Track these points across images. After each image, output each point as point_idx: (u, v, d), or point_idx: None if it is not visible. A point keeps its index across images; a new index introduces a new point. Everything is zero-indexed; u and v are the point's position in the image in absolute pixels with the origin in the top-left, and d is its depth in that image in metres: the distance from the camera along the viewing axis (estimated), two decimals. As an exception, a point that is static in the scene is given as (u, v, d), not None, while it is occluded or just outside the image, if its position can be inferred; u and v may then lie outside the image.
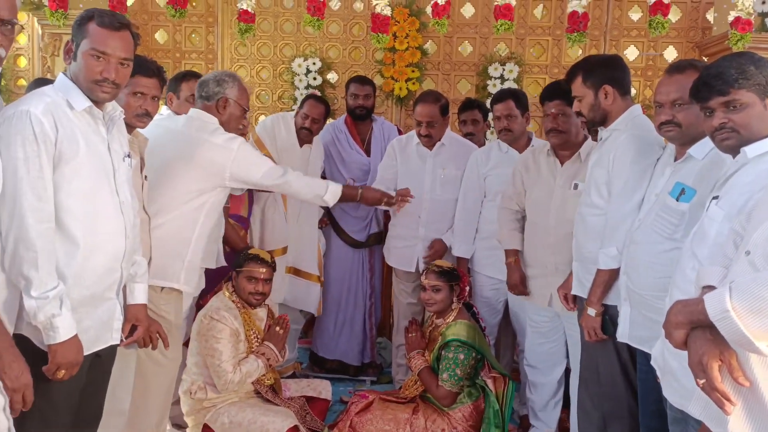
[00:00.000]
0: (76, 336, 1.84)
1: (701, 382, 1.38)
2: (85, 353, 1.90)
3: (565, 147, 2.92)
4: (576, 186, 2.82)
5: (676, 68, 2.19)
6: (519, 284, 3.10)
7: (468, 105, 3.86)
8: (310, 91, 4.38)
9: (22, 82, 4.65)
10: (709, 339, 1.37)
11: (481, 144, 3.78)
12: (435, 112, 3.43)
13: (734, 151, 1.74)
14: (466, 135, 3.79)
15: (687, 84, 1.90)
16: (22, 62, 4.64)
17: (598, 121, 2.53)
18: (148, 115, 2.34)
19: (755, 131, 1.70)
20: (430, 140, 3.49)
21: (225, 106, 2.71)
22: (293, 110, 3.91)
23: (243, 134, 2.83)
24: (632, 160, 2.33)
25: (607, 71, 2.49)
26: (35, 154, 1.78)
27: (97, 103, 1.96)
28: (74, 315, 1.86)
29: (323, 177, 3.95)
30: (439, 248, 3.50)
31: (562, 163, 2.92)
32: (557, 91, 2.88)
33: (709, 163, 2.04)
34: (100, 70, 1.91)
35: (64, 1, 3.64)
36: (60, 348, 1.81)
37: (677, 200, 2.09)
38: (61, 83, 1.95)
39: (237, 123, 2.78)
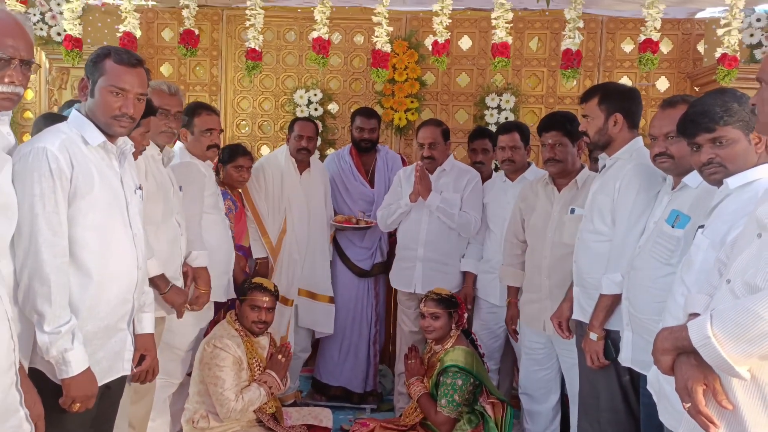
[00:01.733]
0: (89, 369, 1.88)
1: (687, 405, 1.43)
2: (98, 384, 1.93)
3: (562, 175, 3.01)
4: (573, 211, 2.90)
5: (668, 103, 2.30)
6: (510, 324, 3.27)
7: (479, 134, 3.95)
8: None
9: (29, 114, 4.75)
10: (694, 365, 1.43)
11: (489, 173, 3.88)
12: (437, 135, 3.57)
13: (721, 183, 1.83)
14: (475, 163, 3.87)
15: (678, 118, 2.00)
16: (29, 95, 4.74)
17: (600, 145, 2.61)
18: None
19: (740, 164, 1.81)
20: (432, 163, 3.60)
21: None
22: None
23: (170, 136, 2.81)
24: (638, 190, 2.41)
25: (623, 101, 2.58)
26: (51, 190, 1.82)
27: (110, 137, 2.03)
28: (88, 347, 1.90)
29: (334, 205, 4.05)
30: (426, 182, 3.52)
31: (559, 189, 3.01)
32: (555, 122, 3.01)
33: (703, 191, 2.12)
34: (119, 106, 1.98)
35: (79, 41, 3.74)
36: (73, 382, 1.84)
37: (672, 227, 2.18)
38: (75, 119, 2.01)
39: (155, 126, 2.68)
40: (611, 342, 2.47)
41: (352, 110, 4.61)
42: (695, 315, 1.53)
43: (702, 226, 1.82)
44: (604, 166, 2.66)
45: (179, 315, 2.63)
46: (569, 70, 3.32)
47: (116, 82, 1.98)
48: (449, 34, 3.37)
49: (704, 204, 2.06)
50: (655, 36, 3.27)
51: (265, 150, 4.76)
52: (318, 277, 3.85)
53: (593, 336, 2.48)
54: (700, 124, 1.83)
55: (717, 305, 1.43)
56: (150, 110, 2.40)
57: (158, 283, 2.50)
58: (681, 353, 1.47)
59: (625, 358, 2.34)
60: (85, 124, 1.99)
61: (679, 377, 1.46)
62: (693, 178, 2.16)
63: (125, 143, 2.10)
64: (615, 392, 2.50)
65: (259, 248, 3.71)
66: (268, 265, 3.70)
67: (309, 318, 3.87)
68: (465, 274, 3.62)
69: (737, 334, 1.30)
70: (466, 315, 3.20)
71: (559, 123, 2.99)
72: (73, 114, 2.03)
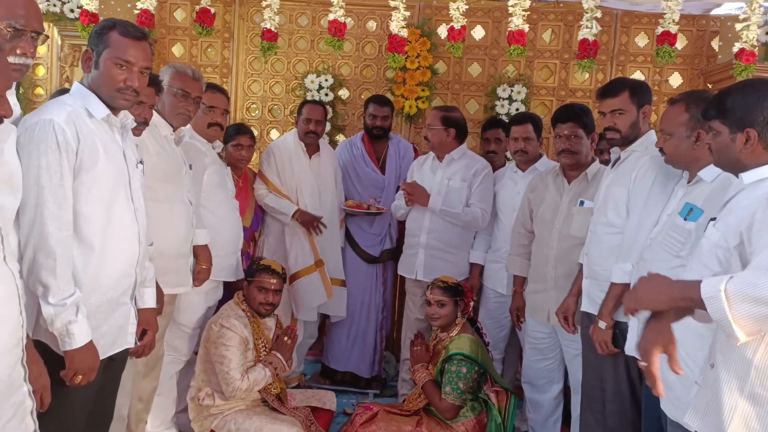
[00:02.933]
0: (91, 342, 1.88)
1: (643, 365, 1.56)
2: (102, 357, 1.94)
3: (574, 167, 3.02)
4: (582, 203, 2.91)
5: (670, 101, 2.38)
6: (514, 313, 3.29)
7: (492, 123, 3.96)
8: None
9: (40, 90, 4.75)
10: (659, 331, 1.54)
11: (501, 162, 3.88)
12: (435, 118, 3.58)
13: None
14: (487, 153, 3.87)
15: (671, 115, 2.21)
16: (41, 71, 4.74)
17: (630, 140, 2.60)
18: (145, 123, 2.47)
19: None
20: (429, 144, 3.64)
21: (161, 92, 2.69)
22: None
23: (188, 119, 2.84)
24: (654, 180, 2.42)
25: (647, 94, 2.63)
26: (57, 163, 1.81)
27: (113, 110, 2.02)
28: (92, 320, 1.90)
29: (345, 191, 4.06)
30: (419, 191, 3.53)
31: (569, 182, 3.01)
32: (571, 114, 3.01)
33: (718, 186, 2.13)
34: (123, 78, 1.96)
35: (95, 16, 3.74)
36: (76, 354, 1.85)
37: (685, 219, 2.19)
38: (78, 91, 1.99)
39: (172, 108, 2.75)
40: (620, 332, 2.47)
41: (362, 97, 4.62)
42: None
43: (714, 219, 1.82)
44: (618, 158, 2.66)
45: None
46: (585, 61, 3.30)
47: (121, 55, 1.96)
48: (465, 20, 3.36)
49: (718, 199, 2.06)
50: (674, 29, 3.26)
51: (274, 134, 4.76)
52: (329, 260, 3.85)
53: (602, 324, 2.49)
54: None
55: (738, 275, 1.43)
56: (152, 82, 2.40)
57: None
58: (655, 317, 1.56)
59: (629, 347, 2.36)
60: (89, 97, 1.97)
61: (644, 340, 1.58)
62: (708, 173, 2.17)
63: (126, 117, 2.09)
64: (622, 383, 2.52)
65: (287, 205, 3.70)
66: (306, 214, 3.70)
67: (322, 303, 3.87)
68: (472, 264, 3.63)
69: (748, 294, 1.33)
70: (472, 303, 3.20)
71: (576, 115, 2.99)
72: (76, 86, 2.01)
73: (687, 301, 1.47)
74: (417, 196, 3.52)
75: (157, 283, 2.48)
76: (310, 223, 3.70)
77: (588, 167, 2.99)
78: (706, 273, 1.63)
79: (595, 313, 2.56)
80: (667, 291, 1.52)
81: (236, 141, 3.54)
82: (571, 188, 3.00)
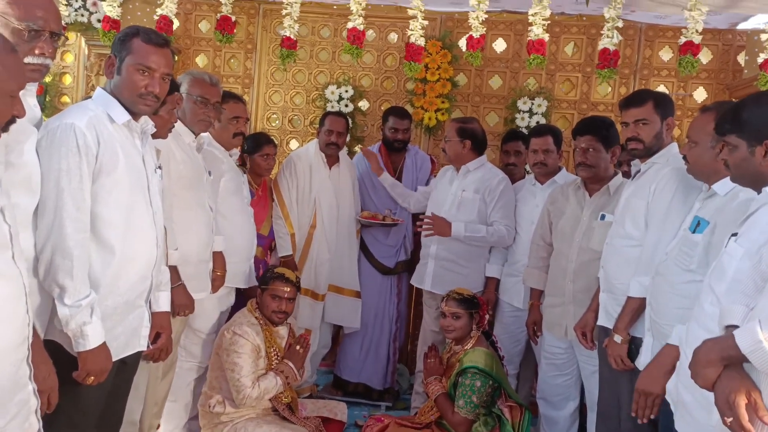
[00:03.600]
0: (104, 343, 1.90)
1: (729, 420, 1.38)
2: (115, 359, 1.96)
3: (594, 180, 2.98)
4: (603, 217, 2.86)
5: (701, 109, 2.33)
6: (531, 326, 3.24)
7: (512, 136, 3.93)
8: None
9: (66, 99, 4.84)
10: (736, 377, 1.39)
11: (521, 175, 3.84)
12: (451, 130, 3.57)
13: None
14: (507, 165, 3.84)
15: (700, 124, 2.16)
16: (67, 80, 4.83)
17: (653, 151, 2.56)
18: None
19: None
20: (446, 156, 3.65)
21: (181, 101, 2.68)
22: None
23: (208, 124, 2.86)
24: (674, 193, 2.37)
25: (671, 106, 2.60)
26: (77, 166, 1.85)
27: (134, 116, 2.05)
28: (107, 322, 1.92)
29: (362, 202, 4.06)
30: (439, 223, 3.46)
31: (590, 195, 2.97)
32: (591, 127, 2.98)
33: (729, 199, 2.09)
34: (145, 84, 2.00)
35: (117, 23, 3.82)
36: (89, 355, 1.87)
37: (693, 232, 2.16)
38: (100, 97, 2.03)
39: (193, 115, 2.76)
40: (635, 348, 2.42)
41: (382, 108, 4.62)
42: (732, 327, 1.48)
43: (736, 234, 1.76)
44: (638, 171, 2.62)
45: (174, 314, 2.55)
46: (606, 71, 3.26)
47: (143, 61, 2.00)
48: (484, 29, 3.35)
49: (727, 211, 2.05)
50: (697, 39, 3.20)
51: (294, 144, 4.79)
52: (345, 271, 3.86)
53: (617, 338, 2.44)
54: None
55: (762, 311, 1.38)
56: (173, 86, 2.44)
57: (171, 275, 2.47)
58: (726, 366, 1.43)
59: (643, 363, 2.29)
60: (111, 102, 2.02)
61: (720, 390, 1.42)
62: (722, 186, 2.13)
63: (146, 122, 2.13)
64: None
65: (284, 246, 3.70)
66: (293, 263, 3.70)
67: (335, 313, 3.88)
68: (488, 278, 3.59)
69: None
70: (487, 317, 3.16)
71: (595, 127, 2.96)
72: (99, 91, 2.06)
73: (731, 359, 1.41)
74: (438, 227, 3.47)
75: (184, 287, 2.51)
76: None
77: (609, 180, 2.94)
78: (743, 299, 1.57)
79: (611, 327, 2.50)
80: (706, 362, 1.46)
81: (264, 151, 3.58)
82: (592, 201, 2.96)
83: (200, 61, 4.82)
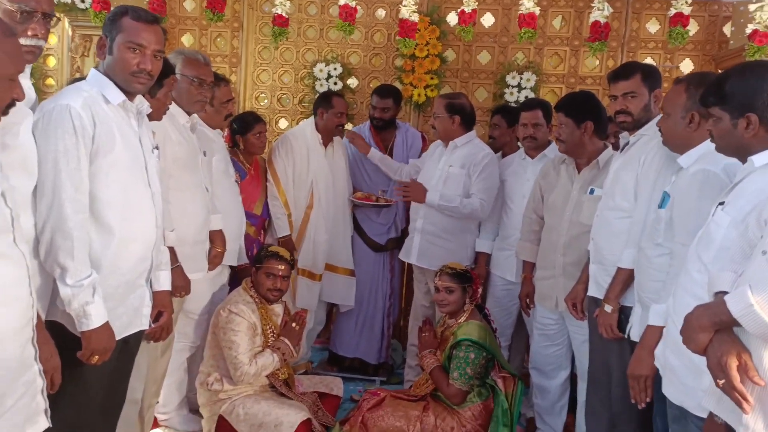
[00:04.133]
0: (107, 323, 1.92)
1: (721, 382, 1.42)
2: (117, 338, 1.98)
3: (575, 155, 2.99)
4: (592, 191, 2.89)
5: (675, 80, 2.36)
6: (524, 298, 3.28)
7: (495, 111, 3.97)
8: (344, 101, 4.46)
9: (51, 81, 4.79)
10: (727, 340, 1.43)
11: (509, 150, 3.83)
12: (440, 106, 3.58)
13: None
14: (489, 138, 3.90)
15: (672, 95, 2.21)
16: (52, 62, 4.78)
17: (641, 123, 2.58)
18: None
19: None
20: (435, 132, 3.66)
21: (175, 81, 2.67)
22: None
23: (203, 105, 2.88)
24: (663, 165, 2.39)
25: (658, 78, 2.61)
26: (74, 147, 1.85)
27: (129, 95, 2.05)
28: (109, 302, 1.94)
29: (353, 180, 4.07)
30: (415, 188, 3.50)
31: (579, 170, 3.00)
32: (561, 105, 3.03)
33: (687, 172, 2.15)
34: (137, 62, 2.00)
35: (107, 3, 3.79)
36: (93, 334, 1.89)
37: (659, 207, 2.24)
38: (94, 78, 2.03)
39: (189, 95, 2.77)
40: (624, 318, 2.47)
41: (371, 85, 4.61)
42: (722, 293, 1.51)
43: (722, 203, 1.80)
44: (627, 143, 2.65)
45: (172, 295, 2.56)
46: (596, 44, 3.27)
47: (134, 38, 2.00)
48: (476, 3, 3.34)
49: (680, 185, 2.13)
50: (686, 10, 3.21)
51: (283, 123, 4.77)
52: (340, 250, 3.89)
53: (608, 308, 2.49)
54: None
55: (752, 277, 1.41)
56: (169, 69, 2.44)
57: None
58: (717, 331, 1.46)
59: (635, 333, 2.35)
60: (105, 83, 2.02)
61: (712, 354, 1.45)
62: (685, 159, 2.19)
63: (142, 103, 2.13)
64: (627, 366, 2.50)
65: (282, 226, 3.71)
66: (291, 244, 3.71)
67: (330, 291, 3.92)
68: (479, 253, 3.62)
69: None
70: (480, 290, 3.20)
71: (564, 105, 3.00)
72: (92, 72, 2.06)
73: (722, 324, 1.45)
74: (414, 193, 3.51)
75: (182, 269, 2.54)
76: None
77: (598, 155, 2.96)
78: (731, 266, 1.60)
79: (602, 297, 2.55)
80: (698, 327, 1.49)
81: (256, 130, 3.58)
82: (581, 176, 2.98)
83: (186, 40, 4.78)
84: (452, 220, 3.54)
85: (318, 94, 4.24)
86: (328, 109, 3.78)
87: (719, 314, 1.43)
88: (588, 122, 2.91)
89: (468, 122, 3.60)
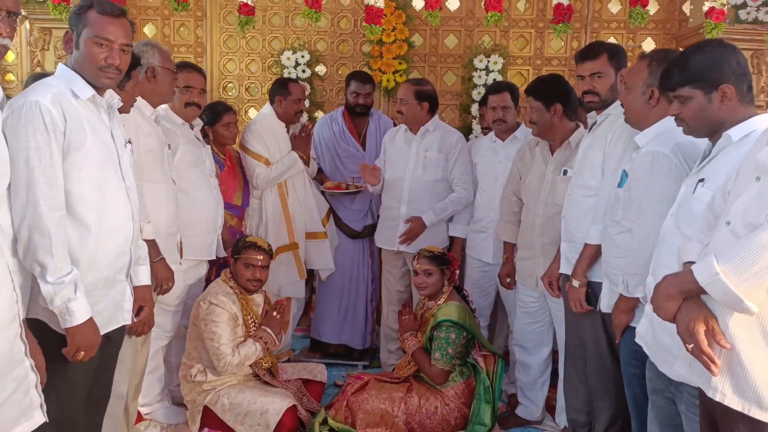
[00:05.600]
0: (91, 318, 1.91)
1: (690, 346, 1.48)
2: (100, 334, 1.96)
3: (547, 137, 3.04)
4: (565, 172, 2.95)
5: (640, 56, 2.45)
6: (504, 278, 3.32)
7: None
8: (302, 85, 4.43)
9: (11, 77, 4.66)
10: (694, 307, 1.49)
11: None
12: (408, 92, 3.57)
13: None
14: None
15: (634, 70, 2.27)
16: (10, 57, 4.63)
17: (608, 103, 2.62)
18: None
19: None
20: (402, 118, 3.63)
21: (154, 75, 2.73)
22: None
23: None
24: (629, 143, 2.43)
25: (624, 58, 2.65)
26: (46, 144, 1.82)
27: (99, 90, 2.03)
28: (89, 298, 1.92)
29: (318, 167, 4.06)
30: (415, 225, 3.55)
31: (552, 151, 3.05)
32: (530, 89, 3.07)
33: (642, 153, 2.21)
34: (104, 57, 1.97)
35: (67, -6, 3.68)
36: (77, 331, 1.87)
37: (618, 186, 2.32)
38: (63, 73, 2.00)
39: (170, 87, 2.81)
40: (593, 291, 2.55)
41: (340, 72, 4.61)
42: (690, 263, 1.57)
43: (702, 180, 1.84)
44: (595, 123, 2.70)
45: (161, 291, 2.60)
46: (560, 25, 3.33)
47: (100, 33, 1.97)
48: (442, -12, 3.36)
49: (635, 165, 2.19)
50: (646, -11, 3.29)
51: (252, 113, 4.73)
52: (305, 215, 3.83)
53: (576, 283, 2.56)
54: None
55: (717, 247, 1.47)
56: (136, 61, 2.42)
57: (149, 250, 2.47)
58: (686, 299, 1.52)
59: (604, 305, 2.43)
60: (73, 78, 1.99)
61: (680, 320, 1.51)
62: (641, 138, 2.25)
63: (112, 97, 2.10)
64: (601, 341, 2.57)
65: (287, 160, 3.68)
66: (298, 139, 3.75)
67: (309, 259, 3.86)
68: (453, 238, 3.67)
69: (745, 267, 1.34)
70: (458, 272, 3.25)
71: (532, 89, 3.05)
72: (61, 68, 2.03)
73: (690, 292, 1.50)
74: (415, 230, 3.55)
75: (164, 260, 2.54)
76: (305, 140, 3.74)
77: (571, 135, 3.00)
78: (699, 237, 1.65)
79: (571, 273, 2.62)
80: (667, 296, 1.54)
81: (225, 120, 3.52)
82: (555, 157, 3.03)
83: (149, 30, 4.69)
84: (433, 203, 3.57)
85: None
86: (285, 96, 3.72)
87: (687, 283, 1.49)
88: (557, 104, 2.95)
89: (434, 108, 3.65)
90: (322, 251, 3.86)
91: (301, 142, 3.68)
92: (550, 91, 2.99)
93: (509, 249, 3.32)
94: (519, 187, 3.24)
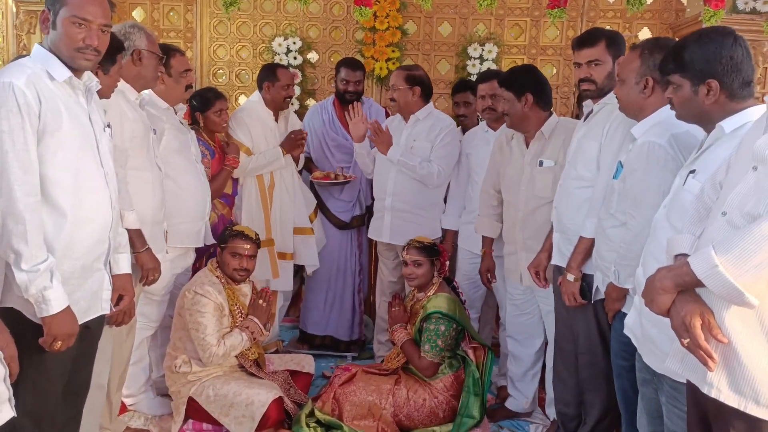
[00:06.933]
0: (68, 307, 1.86)
1: (686, 341, 1.42)
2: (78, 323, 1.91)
3: (520, 128, 2.98)
4: (541, 163, 2.89)
5: (631, 46, 2.40)
6: (484, 273, 3.28)
7: (461, 86, 3.92)
8: (291, 71, 4.36)
9: (-3, 60, 4.57)
10: (690, 301, 1.43)
11: (473, 124, 3.83)
12: (399, 78, 3.52)
13: None
14: (458, 117, 3.84)
15: (626, 62, 2.24)
16: (-4, 40, 4.55)
17: (605, 92, 2.56)
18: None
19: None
20: (395, 105, 3.57)
21: (140, 58, 2.68)
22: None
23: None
24: (626, 135, 2.38)
25: (623, 45, 2.59)
26: (20, 127, 1.77)
27: (76, 72, 1.96)
28: (66, 286, 1.87)
29: (308, 156, 3.99)
30: (384, 135, 3.48)
31: (527, 143, 2.99)
32: (502, 79, 3.05)
33: (636, 145, 2.18)
34: (83, 38, 1.91)
35: (47, -25, 3.58)
36: (54, 320, 1.82)
37: (614, 177, 2.29)
38: (38, 54, 1.93)
39: (155, 72, 2.76)
40: (587, 285, 2.50)
41: (332, 60, 4.53)
42: (682, 256, 1.52)
43: (693, 171, 1.81)
44: (590, 112, 2.65)
45: (147, 281, 2.56)
46: (556, 10, 3.27)
47: (78, 13, 1.90)
48: (435, -29, 3.29)
49: (631, 156, 2.16)
50: (644, -23, 3.23)
51: (243, 100, 4.65)
52: (292, 211, 3.78)
53: (570, 277, 2.52)
54: None
55: (713, 238, 1.42)
56: (120, 44, 2.36)
57: (134, 240, 2.43)
58: (681, 292, 1.47)
59: (598, 294, 2.41)
60: (50, 59, 1.92)
61: (675, 314, 1.46)
62: (638, 129, 2.22)
63: (90, 79, 2.03)
64: (593, 335, 2.54)
65: (270, 155, 3.63)
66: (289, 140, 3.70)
67: (296, 254, 3.81)
68: (445, 230, 3.62)
69: (745, 258, 1.29)
70: (447, 263, 3.21)
71: (503, 80, 3.01)
72: (36, 48, 1.96)
73: (685, 285, 1.45)
74: (381, 138, 3.46)
75: (151, 251, 2.50)
76: (296, 143, 3.68)
77: (543, 125, 2.93)
78: (689, 229, 1.62)
79: (565, 266, 2.58)
80: (661, 289, 1.49)
81: (217, 107, 3.45)
82: (530, 150, 2.97)
83: (137, 15, 4.60)
84: (421, 195, 3.53)
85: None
86: (273, 83, 3.65)
87: (682, 275, 1.44)
88: (527, 94, 2.88)
89: (427, 94, 3.58)
90: (308, 246, 3.82)
91: (289, 142, 3.60)
92: (521, 80, 2.94)
93: (488, 244, 3.28)
94: (497, 181, 3.18)
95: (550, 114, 2.98)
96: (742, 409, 1.37)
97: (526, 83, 2.91)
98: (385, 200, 3.59)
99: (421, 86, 3.52)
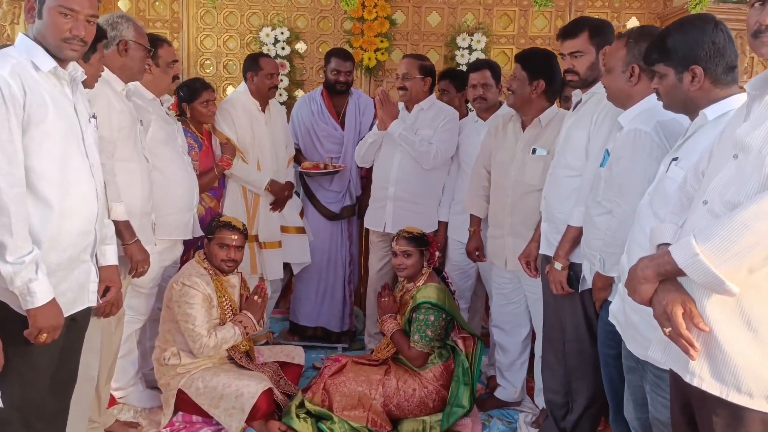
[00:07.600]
0: (54, 299, 1.84)
1: (667, 330, 1.42)
2: (64, 316, 1.90)
3: (522, 110, 2.98)
4: (534, 151, 2.89)
5: (617, 36, 2.39)
6: (473, 252, 3.28)
7: (440, 77, 3.92)
8: (278, 61, 4.33)
9: (-20, 51, 4.51)
10: (671, 289, 1.43)
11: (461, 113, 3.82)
12: (412, 67, 3.50)
13: None
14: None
15: (612, 51, 2.25)
16: (-21, 31, 4.49)
17: (590, 82, 2.56)
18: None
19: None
20: (405, 94, 3.54)
21: (126, 49, 2.65)
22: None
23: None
24: (614, 123, 2.38)
25: (609, 35, 2.56)
26: (4, 118, 1.75)
27: (61, 62, 1.93)
28: (52, 278, 1.85)
29: (297, 148, 3.97)
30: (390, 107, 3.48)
31: (523, 128, 3.00)
32: (521, 56, 3.03)
33: (624, 132, 2.18)
34: (69, 28, 1.88)
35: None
36: (39, 312, 1.81)
37: (600, 165, 2.29)
38: (23, 44, 1.90)
39: (142, 63, 2.74)
40: (574, 273, 2.51)
41: (320, 50, 4.50)
42: (664, 245, 1.52)
43: (676, 159, 1.82)
44: (579, 101, 2.65)
45: (136, 273, 2.56)
46: (543, -1, 3.25)
47: (65, 3, 1.88)
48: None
49: (618, 144, 2.16)
50: (631, -34, 3.22)
51: (231, 91, 4.61)
52: (286, 210, 3.79)
53: (558, 266, 2.52)
54: None
55: (694, 227, 1.42)
56: (102, 33, 2.33)
57: (123, 231, 2.42)
58: (663, 281, 1.46)
59: (586, 283, 2.42)
60: (34, 49, 1.89)
61: (657, 303, 1.45)
62: (624, 118, 2.22)
63: (76, 69, 2.01)
64: (580, 323, 2.55)
65: (259, 180, 3.60)
66: (280, 187, 3.66)
67: (284, 252, 3.81)
68: (439, 222, 3.62)
69: (725, 247, 1.29)
70: (437, 253, 3.21)
71: (523, 57, 3.00)
72: (20, 38, 1.93)
73: (667, 274, 1.44)
74: (387, 109, 3.45)
75: (139, 242, 2.49)
76: (281, 192, 3.64)
77: (542, 113, 2.93)
78: (671, 218, 1.62)
79: (552, 255, 2.58)
80: (643, 278, 1.48)
81: (203, 98, 3.41)
82: (524, 135, 2.98)
83: (123, 5, 4.55)
84: (422, 184, 3.53)
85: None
86: (257, 72, 3.62)
87: (664, 264, 1.43)
88: (541, 80, 2.88)
89: (434, 85, 3.61)
90: (299, 244, 3.82)
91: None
92: (539, 65, 2.92)
93: (476, 222, 3.29)
94: (489, 162, 3.19)
95: (551, 105, 2.99)
96: (724, 397, 1.37)
97: (544, 69, 2.90)
98: (387, 189, 3.57)
99: (432, 77, 3.56)
